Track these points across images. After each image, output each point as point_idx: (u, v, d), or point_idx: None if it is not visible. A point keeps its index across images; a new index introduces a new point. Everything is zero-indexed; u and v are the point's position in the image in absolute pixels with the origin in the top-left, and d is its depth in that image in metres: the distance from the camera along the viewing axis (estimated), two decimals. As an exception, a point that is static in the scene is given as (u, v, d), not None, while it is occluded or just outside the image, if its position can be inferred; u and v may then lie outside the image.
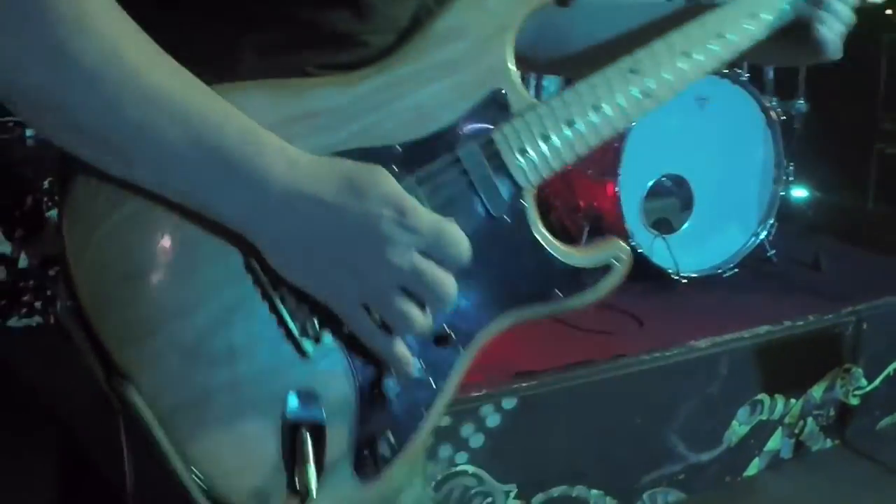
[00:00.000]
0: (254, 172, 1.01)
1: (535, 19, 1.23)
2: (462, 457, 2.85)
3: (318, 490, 1.07)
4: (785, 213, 4.09)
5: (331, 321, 1.08)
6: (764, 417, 3.45)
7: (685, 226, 3.87)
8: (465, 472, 2.86)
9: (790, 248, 4.13)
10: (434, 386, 1.15)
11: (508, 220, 1.19)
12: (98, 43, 0.97)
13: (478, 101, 1.17)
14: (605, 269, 1.25)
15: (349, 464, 1.12)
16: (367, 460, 1.13)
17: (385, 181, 1.05)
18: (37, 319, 4.34)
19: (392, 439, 1.14)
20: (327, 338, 1.09)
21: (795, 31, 1.40)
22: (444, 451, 2.81)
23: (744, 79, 3.90)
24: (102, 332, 1.01)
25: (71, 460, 1.41)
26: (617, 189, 3.63)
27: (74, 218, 1.02)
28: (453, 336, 1.16)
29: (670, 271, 3.72)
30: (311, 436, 1.07)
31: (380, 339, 1.08)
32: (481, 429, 2.87)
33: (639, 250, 3.67)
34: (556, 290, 1.23)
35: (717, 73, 3.77)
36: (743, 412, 3.39)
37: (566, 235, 3.99)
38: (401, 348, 1.09)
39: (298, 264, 1.05)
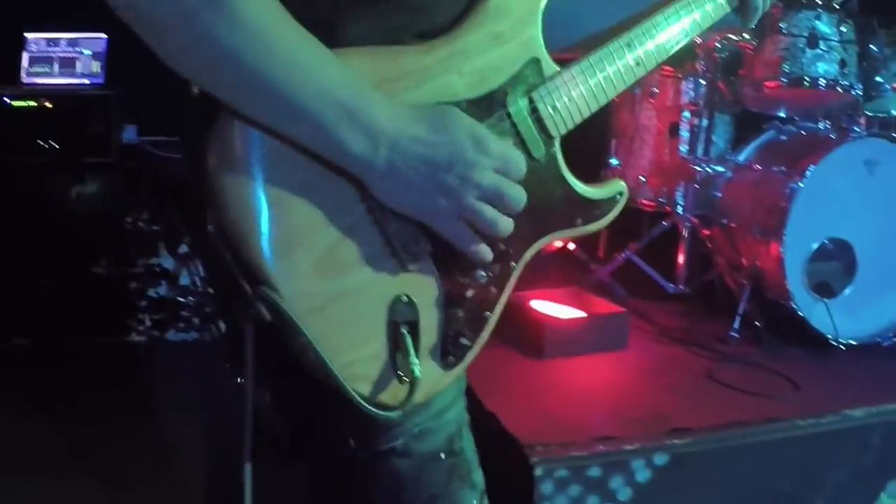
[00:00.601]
0: (366, 119, 1.25)
1: None
2: (609, 509, 2.87)
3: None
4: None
5: (428, 237, 1.36)
6: (913, 494, 3.37)
7: (846, 291, 3.79)
8: (610, 525, 2.87)
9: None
10: (496, 292, 1.46)
11: (544, 163, 1.50)
12: (260, 7, 1.19)
13: (520, 67, 1.46)
14: (612, 201, 1.59)
15: (438, 355, 1.41)
16: (450, 352, 1.42)
17: (459, 116, 1.33)
18: (193, 335, 4.49)
19: (469, 334, 1.43)
20: (423, 254, 1.36)
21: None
22: (592, 501, 2.84)
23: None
24: (247, 252, 1.24)
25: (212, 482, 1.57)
26: (781, 250, 3.59)
27: (221, 155, 1.25)
28: (510, 253, 1.46)
29: (829, 337, 3.66)
30: (409, 333, 1.35)
31: (472, 244, 1.37)
32: (630, 482, 2.87)
33: (799, 313, 3.64)
34: (579, 219, 1.55)
35: (888, 139, 3.73)
36: (893, 486, 3.30)
37: (727, 293, 3.98)
38: (484, 248, 1.38)
39: (402, 193, 1.30)
